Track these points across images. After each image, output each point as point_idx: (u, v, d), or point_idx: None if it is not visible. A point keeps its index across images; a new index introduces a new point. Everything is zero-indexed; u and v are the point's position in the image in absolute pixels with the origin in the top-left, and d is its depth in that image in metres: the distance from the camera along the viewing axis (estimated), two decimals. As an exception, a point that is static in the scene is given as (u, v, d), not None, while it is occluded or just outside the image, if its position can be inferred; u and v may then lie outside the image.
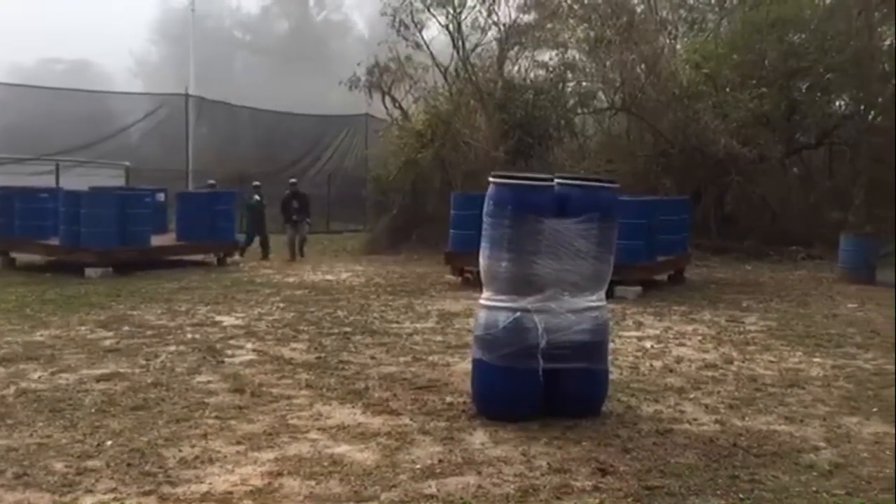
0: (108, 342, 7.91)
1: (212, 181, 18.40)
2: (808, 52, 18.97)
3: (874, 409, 5.90)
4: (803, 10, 20.04)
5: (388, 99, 21.77)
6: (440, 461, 4.64)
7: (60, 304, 10.29)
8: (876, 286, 13.16)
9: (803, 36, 19.59)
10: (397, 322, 9.50)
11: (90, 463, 4.55)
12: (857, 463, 4.75)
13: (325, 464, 4.58)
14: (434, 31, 21.72)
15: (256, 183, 18.06)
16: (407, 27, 20.51)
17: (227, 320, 9.34)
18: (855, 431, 5.36)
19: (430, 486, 4.28)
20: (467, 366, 6.05)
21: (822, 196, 20.30)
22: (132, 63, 42.64)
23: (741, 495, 4.23)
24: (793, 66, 18.98)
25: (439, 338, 8.51)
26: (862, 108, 20.51)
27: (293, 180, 18.32)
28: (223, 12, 43.20)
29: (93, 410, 5.55)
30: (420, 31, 20.95)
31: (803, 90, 19.61)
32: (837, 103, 21.26)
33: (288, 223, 17.19)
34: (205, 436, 5.03)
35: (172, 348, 7.67)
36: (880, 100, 20.36)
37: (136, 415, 5.46)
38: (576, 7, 20.22)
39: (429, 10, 20.60)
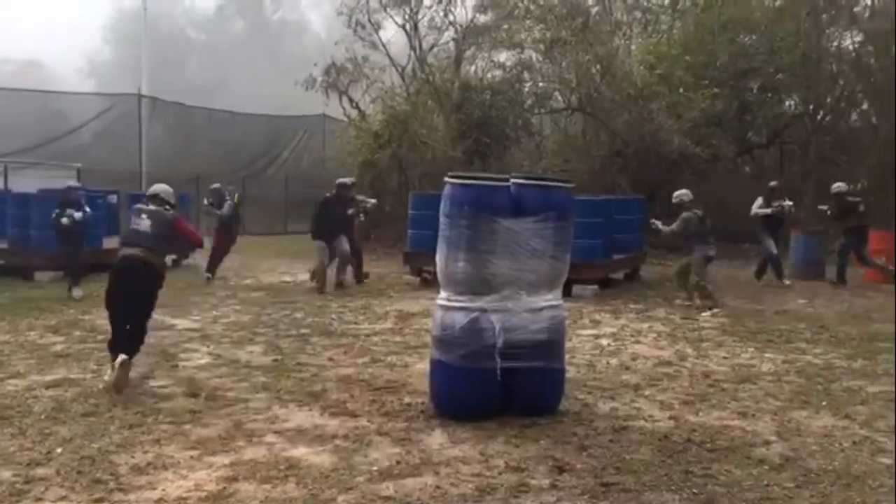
0: (58, 347, 7.75)
1: (215, 185, 14.91)
2: (758, 53, 19.32)
3: (823, 403, 6.03)
4: (753, 13, 20.39)
5: (345, 99, 21.68)
6: (398, 462, 4.63)
7: (9, 308, 10.06)
8: (824, 282, 13.47)
9: (753, 37, 19.94)
10: (355, 323, 9.46)
11: (39, 471, 4.45)
12: (806, 456, 4.85)
13: (282, 467, 4.54)
14: (391, 32, 21.73)
15: (216, 185, 14.59)
16: (363, 27, 20.47)
17: (182, 323, 9.21)
18: (805, 425, 5.47)
19: (388, 488, 4.26)
20: (425, 366, 6.05)
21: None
22: (84, 63, 41.88)
23: (695, 490, 4.29)
24: (743, 67, 19.31)
25: (398, 338, 8.49)
26: (811, 108, 20.95)
27: (346, 180, 13.57)
28: (176, 11, 42.58)
29: (42, 417, 5.43)
30: (377, 31, 20.93)
31: (754, 91, 19.95)
32: (787, 103, 21.68)
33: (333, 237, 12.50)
34: (158, 441, 4.95)
35: (125, 353, 7.53)
36: (828, 100, 20.84)
37: (87, 421, 5.36)
38: (532, 8, 20.34)
39: (385, 10, 20.59)
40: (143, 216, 6.72)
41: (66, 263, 11.77)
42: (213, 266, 13.25)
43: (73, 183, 12.81)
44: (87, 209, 11.85)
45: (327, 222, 12.45)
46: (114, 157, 23.70)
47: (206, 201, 14.38)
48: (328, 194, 12.98)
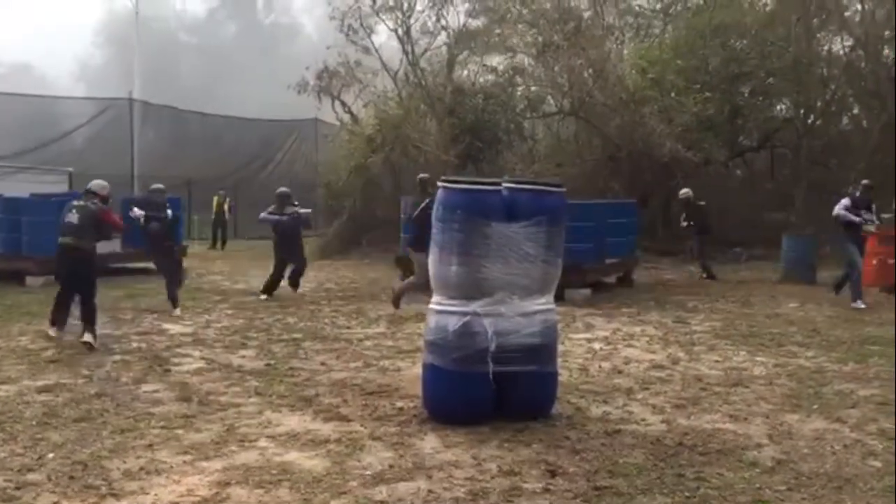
0: (49, 352, 7.72)
1: (157, 185, 15.87)
2: (749, 57, 19.41)
3: (815, 407, 6.05)
4: (744, 17, 20.50)
5: (337, 103, 21.69)
6: (391, 466, 4.63)
7: (0, 313, 10.01)
8: (816, 286, 13.52)
9: (745, 42, 20.04)
10: (348, 327, 9.46)
11: (31, 476, 4.44)
12: (798, 459, 4.86)
13: (274, 472, 4.53)
14: (383, 36, 21.75)
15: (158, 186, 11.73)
16: (356, 31, 20.48)
17: (174, 328, 9.19)
18: (796, 428, 5.49)
19: (381, 492, 4.26)
20: (418, 370, 6.05)
21: (764, 198, 20.78)
22: (75, 67, 41.75)
23: (687, 493, 4.30)
24: (735, 71, 19.41)
25: (390, 343, 8.49)
26: (801, 112, 21.05)
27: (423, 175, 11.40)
28: (168, 15, 42.46)
29: (34, 423, 5.41)
30: (369, 36, 20.95)
31: (745, 95, 20.06)
32: (778, 107, 21.79)
33: None
34: (150, 446, 4.94)
35: (117, 358, 7.52)
36: (819, 104, 20.95)
37: (79, 426, 5.34)
38: (524, 12, 20.39)
39: (378, 14, 20.60)
40: (73, 211, 8.22)
41: (167, 279, 10.55)
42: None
43: (157, 185, 11.39)
44: (170, 211, 11.32)
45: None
46: (106, 161, 23.63)
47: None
48: (424, 201, 9.81)
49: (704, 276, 14.66)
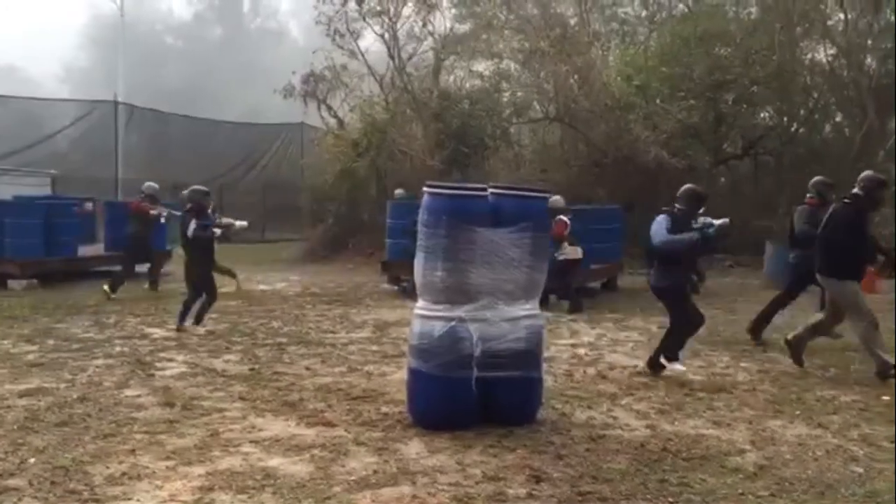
0: (31, 356, 7.66)
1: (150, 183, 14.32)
2: (733, 65, 19.54)
3: (797, 412, 6.09)
4: (729, 25, 20.66)
5: (323, 107, 21.68)
6: (375, 472, 4.62)
7: (-19, 317, 9.93)
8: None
9: (729, 50, 20.18)
10: (333, 332, 9.44)
11: (12, 482, 4.40)
12: (780, 465, 4.89)
13: (258, 477, 4.51)
14: (370, 41, 21.75)
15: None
16: (342, 36, 20.47)
17: (158, 332, 9.14)
18: (779, 434, 5.53)
19: (365, 498, 4.25)
20: (403, 375, 6.05)
21: (748, 205, 20.89)
22: (60, 69, 41.52)
23: (671, 499, 4.32)
24: (719, 79, 19.52)
25: (375, 347, 8.49)
26: (785, 120, 21.22)
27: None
28: (154, 18, 42.36)
29: (15, 427, 5.37)
30: (355, 40, 20.94)
31: (729, 102, 20.18)
32: (762, 115, 21.95)
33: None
34: (133, 451, 4.91)
35: (100, 362, 7.47)
36: (802, 112, 21.13)
37: (61, 431, 5.30)
38: (511, 18, 20.47)
39: (364, 18, 20.60)
40: None
41: (207, 298, 9.33)
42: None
43: (198, 187, 9.56)
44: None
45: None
46: (90, 164, 23.54)
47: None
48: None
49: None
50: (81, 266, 14.18)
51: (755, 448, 5.22)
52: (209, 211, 9.73)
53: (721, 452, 5.10)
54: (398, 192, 13.12)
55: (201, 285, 9.21)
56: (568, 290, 11.38)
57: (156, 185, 12.50)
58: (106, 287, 11.59)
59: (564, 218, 11.22)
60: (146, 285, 12.56)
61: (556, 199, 11.17)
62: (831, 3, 20.22)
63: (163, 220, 12.34)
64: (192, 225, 8.92)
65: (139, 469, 4.61)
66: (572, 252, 11.27)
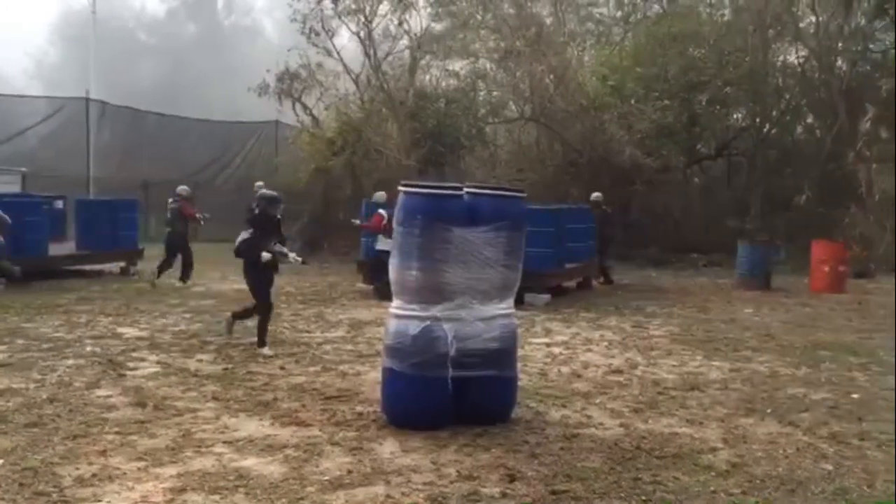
0: (0, 356, 7.54)
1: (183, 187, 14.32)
2: (707, 66, 19.72)
3: (768, 411, 6.16)
4: (702, 27, 20.84)
5: (298, 106, 21.56)
6: (349, 472, 4.61)
7: (-52, 316, 9.77)
8: (771, 292, 13.77)
9: (703, 51, 20.37)
10: (308, 331, 9.39)
11: (-21, 484, 4.33)
12: (752, 462, 4.94)
13: (231, 478, 4.48)
14: (345, 39, 21.67)
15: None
16: (317, 34, 20.38)
17: (130, 332, 9.04)
18: (750, 432, 5.58)
19: (339, 498, 4.24)
20: (378, 375, 6.03)
21: (721, 205, 21.11)
22: (29, 64, 40.91)
23: (644, 497, 4.34)
24: (693, 80, 19.70)
25: (350, 347, 8.46)
26: (757, 120, 21.44)
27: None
28: (126, 14, 41.82)
29: (-18, 428, 5.29)
30: (331, 38, 20.86)
31: (703, 103, 20.37)
32: (735, 116, 22.17)
33: None
34: (103, 452, 4.85)
35: (70, 362, 7.37)
36: (774, 113, 21.36)
37: (31, 432, 5.22)
38: (487, 17, 20.49)
39: (339, 17, 20.53)
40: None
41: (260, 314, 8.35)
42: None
43: (268, 192, 8.39)
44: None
45: None
46: (61, 161, 23.19)
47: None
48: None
49: (602, 280, 14.55)
50: (52, 265, 13.98)
51: (727, 446, 5.26)
52: (277, 219, 8.13)
53: (693, 450, 5.15)
54: (378, 194, 13.40)
55: (252, 295, 8.18)
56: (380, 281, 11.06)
57: (188, 188, 14.12)
58: (151, 278, 13.13)
59: (382, 212, 11.92)
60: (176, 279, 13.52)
61: (380, 195, 12.76)
62: (803, 6, 20.45)
63: (202, 222, 14.21)
64: (243, 235, 7.82)
65: (110, 470, 4.55)
66: (388, 245, 11.22)
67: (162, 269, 13.39)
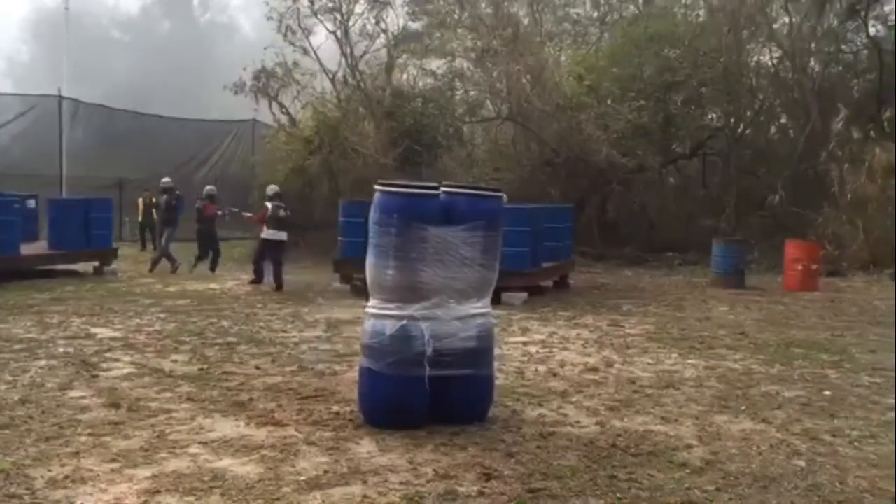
0: (-30, 357, 7.44)
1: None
2: (682, 66, 19.89)
3: (742, 408, 6.21)
4: (678, 27, 21.01)
5: (275, 104, 21.47)
6: (325, 472, 4.59)
7: (-83, 317, 9.62)
8: (745, 290, 13.91)
9: (678, 52, 20.53)
10: (284, 331, 9.35)
11: (-52, 487, 4.26)
12: (726, 459, 4.98)
13: (206, 479, 4.44)
14: (322, 38, 21.59)
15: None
16: (294, 32, 20.35)
17: (104, 332, 8.95)
18: (725, 429, 5.63)
19: (315, 498, 4.22)
20: (355, 374, 6.01)
21: (696, 204, 21.30)
22: (1, 62, 40.37)
23: (619, 494, 4.36)
24: (668, 80, 19.86)
25: (327, 346, 8.43)
26: (732, 121, 21.65)
27: None
28: (100, 11, 41.38)
29: (-48, 431, 5.21)
30: (307, 37, 20.81)
31: (678, 103, 20.55)
32: (709, 116, 22.37)
33: None
34: (76, 454, 4.79)
35: (43, 363, 7.28)
36: (748, 113, 21.58)
37: (2, 434, 5.14)
38: (464, 17, 20.52)
39: (316, 15, 20.48)
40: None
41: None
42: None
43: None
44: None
45: None
46: (33, 160, 22.93)
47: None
48: None
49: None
50: (24, 265, 13.81)
51: (701, 443, 5.30)
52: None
53: (668, 448, 5.18)
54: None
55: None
56: (258, 267, 13.83)
57: (214, 188, 15.90)
58: (188, 267, 15.21)
59: (268, 204, 13.62)
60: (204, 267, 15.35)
61: (272, 187, 14.49)
62: (777, 7, 20.68)
63: (227, 218, 16.23)
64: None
65: (82, 472, 4.50)
66: (271, 234, 13.47)
67: (199, 259, 15.41)
